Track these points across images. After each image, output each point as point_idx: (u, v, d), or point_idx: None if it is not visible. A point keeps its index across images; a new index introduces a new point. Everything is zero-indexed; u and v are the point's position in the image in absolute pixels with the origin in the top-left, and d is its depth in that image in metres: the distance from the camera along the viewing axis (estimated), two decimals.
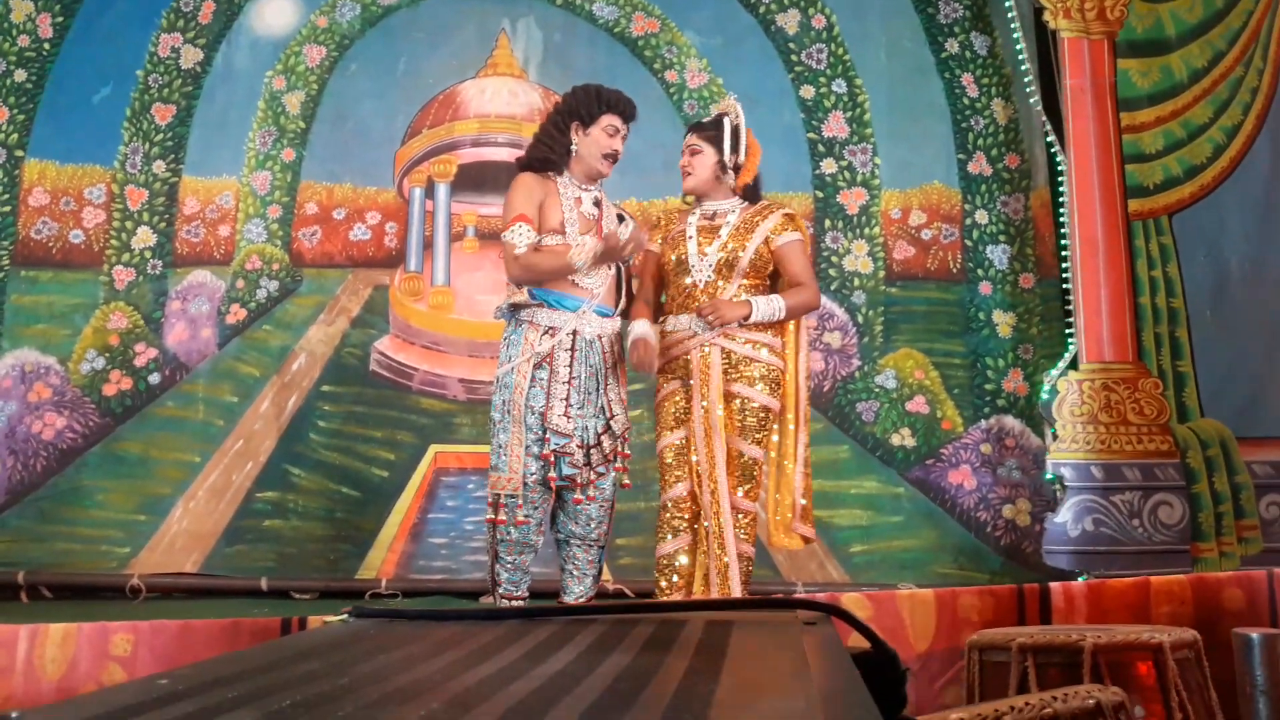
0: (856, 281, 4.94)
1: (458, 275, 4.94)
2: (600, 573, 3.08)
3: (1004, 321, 4.90)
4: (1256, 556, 4.33)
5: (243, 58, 5.06)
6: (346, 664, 0.91)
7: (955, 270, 4.97)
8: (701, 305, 2.96)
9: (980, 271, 4.95)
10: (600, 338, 2.94)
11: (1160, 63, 4.75)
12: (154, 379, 4.76)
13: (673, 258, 3.08)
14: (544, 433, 2.83)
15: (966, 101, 5.06)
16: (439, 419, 4.77)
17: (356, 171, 4.99)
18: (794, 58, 5.11)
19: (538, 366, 2.84)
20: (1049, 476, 4.55)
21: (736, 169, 3.08)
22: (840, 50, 5.11)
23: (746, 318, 2.93)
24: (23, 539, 4.54)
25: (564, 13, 5.15)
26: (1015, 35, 4.90)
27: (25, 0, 4.95)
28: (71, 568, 4.49)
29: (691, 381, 2.98)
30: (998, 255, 4.96)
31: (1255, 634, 2.36)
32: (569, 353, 2.86)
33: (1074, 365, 4.59)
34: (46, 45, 4.96)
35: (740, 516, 2.95)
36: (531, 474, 2.82)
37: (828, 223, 5.00)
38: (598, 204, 3.02)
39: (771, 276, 3.12)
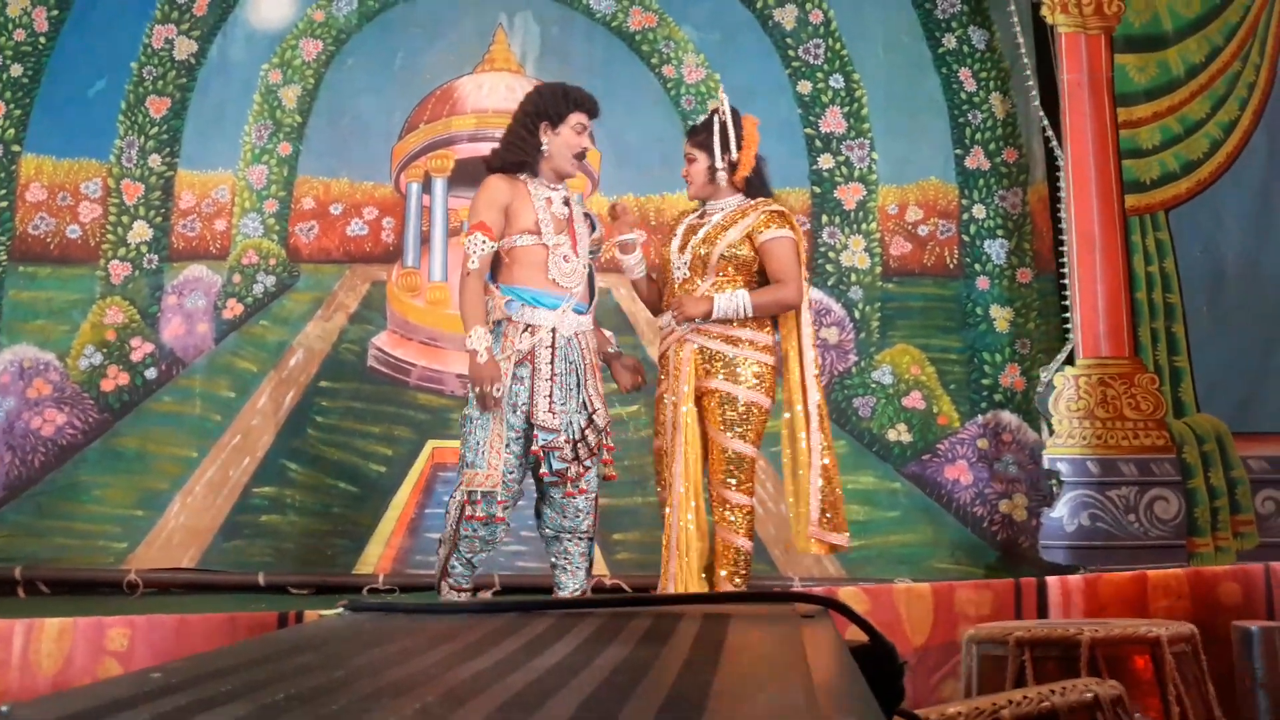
0: (853, 277, 4.94)
1: (455, 270, 4.93)
2: (592, 565, 3.10)
3: (1001, 317, 4.90)
4: (1252, 552, 4.34)
5: (238, 51, 5.04)
6: (341, 657, 0.91)
7: (952, 265, 4.97)
8: (669, 301, 3.03)
9: (977, 267, 4.95)
10: (578, 335, 2.98)
11: (1157, 58, 4.75)
12: (151, 374, 4.75)
13: (663, 252, 3.14)
14: (527, 430, 2.86)
15: (964, 96, 5.05)
16: (436, 414, 4.77)
17: (353, 166, 4.98)
18: (791, 53, 5.11)
19: (519, 364, 2.87)
20: (1045, 471, 4.56)
21: (732, 167, 3.09)
22: (838, 45, 5.10)
23: (707, 314, 2.94)
24: (20, 534, 4.54)
25: (561, 7, 5.14)
26: (1013, 30, 4.89)
27: None
28: (69, 563, 4.49)
29: (669, 378, 3.05)
30: (995, 250, 4.96)
31: (1255, 627, 2.37)
32: (550, 350, 2.90)
33: (1071, 360, 4.59)
34: (42, 39, 4.94)
35: (730, 511, 2.97)
36: (510, 472, 2.86)
37: (825, 218, 5.00)
38: (567, 203, 3.05)
39: (765, 275, 3.10)
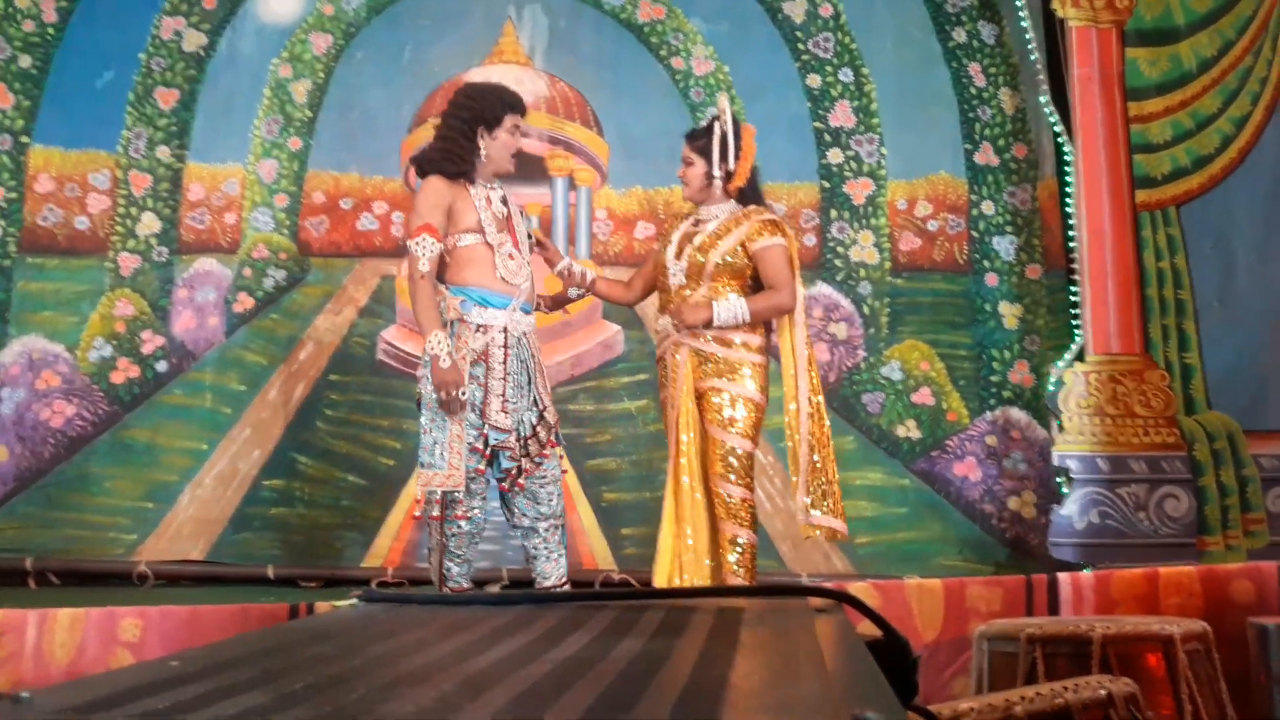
0: (862, 272, 4.93)
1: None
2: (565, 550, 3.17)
3: (1010, 313, 4.88)
4: (1263, 550, 4.32)
5: (248, 44, 5.04)
6: (357, 647, 0.91)
7: (961, 261, 4.96)
8: (669, 309, 3.10)
9: (986, 263, 4.94)
10: (526, 334, 3.04)
11: (1169, 52, 4.72)
12: (161, 367, 4.77)
13: (661, 260, 3.20)
14: (483, 428, 2.91)
15: (974, 91, 5.03)
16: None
17: (363, 161, 4.98)
18: (800, 46, 5.09)
19: (474, 364, 2.91)
20: (1055, 468, 4.55)
21: (728, 176, 3.15)
22: (847, 39, 5.08)
23: (708, 322, 3.03)
24: (31, 526, 4.56)
25: None
26: (1023, 24, 4.87)
27: None
28: (79, 554, 4.51)
29: (668, 380, 3.15)
30: (1004, 246, 4.94)
31: (1271, 624, 2.36)
32: (502, 349, 2.95)
33: (1080, 357, 4.57)
34: (50, 30, 4.95)
35: (729, 504, 3.03)
36: (473, 468, 2.90)
37: (833, 213, 4.98)
38: (505, 202, 3.11)
39: (757, 279, 3.17)
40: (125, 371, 4.74)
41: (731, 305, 3.04)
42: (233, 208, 4.92)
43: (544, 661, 0.82)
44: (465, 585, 3.02)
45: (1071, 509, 4.44)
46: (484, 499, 2.99)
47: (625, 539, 4.64)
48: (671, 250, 3.16)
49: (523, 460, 2.99)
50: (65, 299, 4.80)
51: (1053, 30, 4.80)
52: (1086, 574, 3.30)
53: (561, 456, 3.15)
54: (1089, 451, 4.49)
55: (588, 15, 5.11)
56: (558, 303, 3.39)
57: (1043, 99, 4.79)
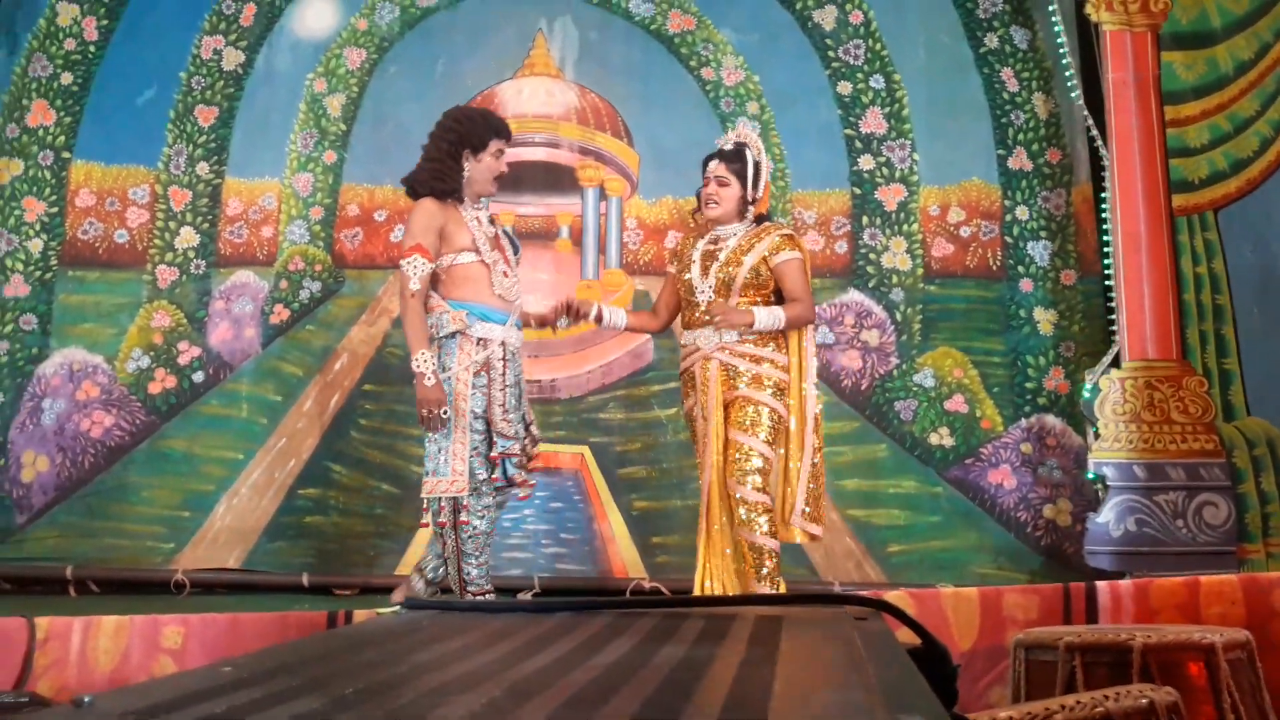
0: (894, 279, 4.91)
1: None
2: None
3: (1045, 319, 4.84)
4: None
5: (284, 60, 5.12)
6: (403, 653, 0.92)
7: (995, 267, 4.92)
8: (712, 307, 3.15)
9: (1021, 268, 4.90)
10: (518, 350, 3.18)
11: (1206, 55, 4.67)
12: (198, 377, 4.83)
13: (684, 279, 3.30)
14: (489, 433, 3.02)
15: (1006, 96, 5.00)
16: None
17: (397, 173, 4.91)
18: (831, 54, 5.09)
19: (476, 374, 3.03)
20: (1091, 476, 4.50)
21: (754, 202, 3.30)
22: (878, 46, 5.07)
23: (750, 324, 3.12)
24: (71, 534, 4.63)
25: (600, 11, 5.16)
26: (1056, 29, 4.84)
27: (71, 4, 5.04)
28: (117, 563, 4.57)
29: (697, 392, 3.23)
30: (1039, 251, 4.90)
31: None
32: (503, 361, 3.08)
33: (1116, 363, 4.53)
34: (92, 48, 5.05)
35: (748, 509, 3.08)
36: (482, 474, 3.01)
37: (865, 219, 4.97)
38: (492, 222, 3.24)
39: (778, 294, 3.28)
40: (163, 382, 4.81)
41: (772, 313, 3.15)
42: (269, 221, 4.99)
43: (588, 668, 0.83)
44: (487, 587, 3.08)
45: (1108, 517, 4.39)
46: (496, 503, 3.08)
47: (656, 547, 4.64)
48: (696, 269, 3.26)
49: (522, 472, 3.12)
50: (105, 311, 4.88)
51: (1086, 34, 4.77)
52: (1125, 582, 3.26)
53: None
54: (1125, 458, 4.44)
55: (618, 27, 5.14)
56: (543, 322, 3.42)
57: (1077, 104, 4.76)
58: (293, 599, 4.20)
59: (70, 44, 5.03)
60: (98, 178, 4.98)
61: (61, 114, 4.99)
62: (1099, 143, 4.67)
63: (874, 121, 5.02)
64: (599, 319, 3.35)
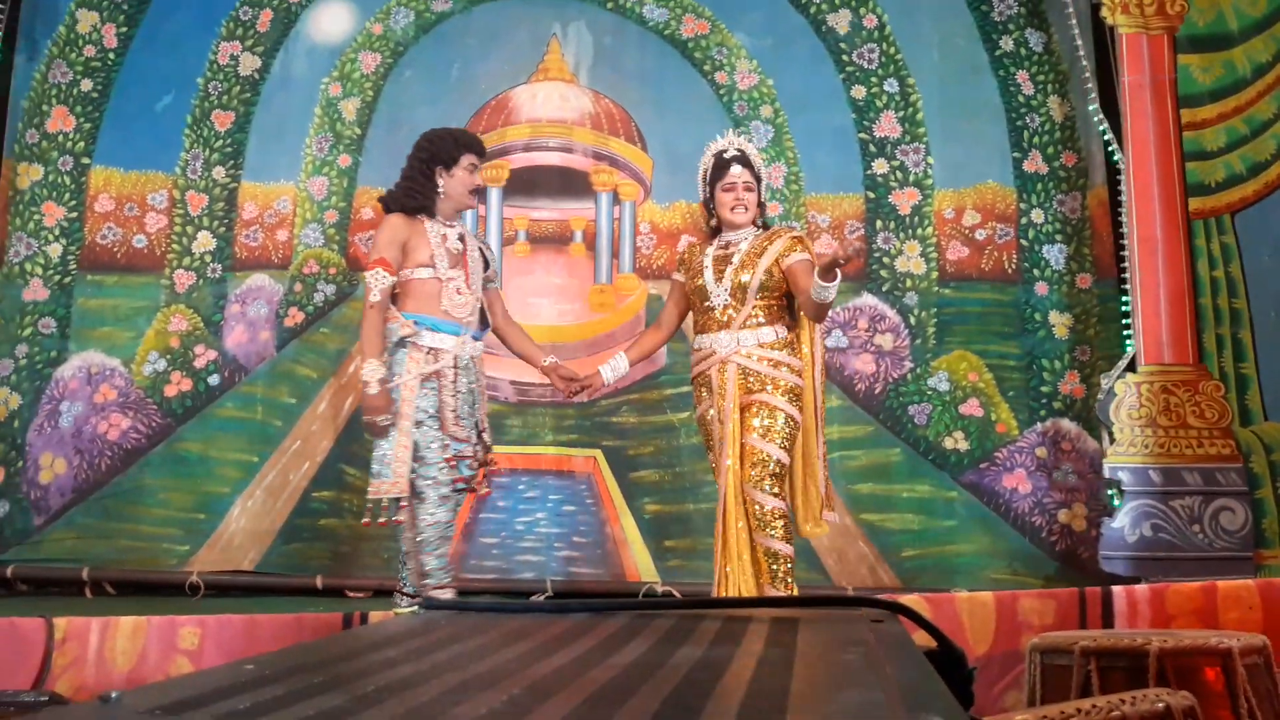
0: (909, 282, 4.90)
1: (510, 278, 4.97)
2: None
3: (1060, 323, 4.82)
4: None
5: (300, 65, 5.15)
6: (423, 652, 0.93)
7: (1010, 271, 4.91)
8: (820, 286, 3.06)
9: (1036, 272, 4.88)
10: (473, 359, 3.27)
11: (1223, 58, 4.65)
12: (213, 380, 4.87)
13: (696, 285, 3.33)
14: (439, 438, 3.13)
15: (1021, 99, 4.99)
16: (490, 420, 4.77)
17: None
18: (845, 58, 5.09)
19: (426, 380, 3.14)
20: (1106, 481, 4.47)
21: (762, 207, 3.42)
22: (892, 49, 5.07)
23: (831, 283, 3.05)
24: (88, 536, 4.67)
25: (614, 16, 5.18)
26: (1072, 32, 4.82)
27: (90, 11, 5.09)
28: (133, 565, 4.60)
29: (713, 396, 3.25)
30: (1054, 255, 4.88)
31: None
32: (453, 370, 3.18)
33: (1132, 367, 4.50)
34: (111, 55, 5.09)
35: (764, 514, 3.09)
36: (441, 471, 3.12)
37: (879, 223, 4.96)
38: (462, 239, 3.32)
39: (788, 296, 3.32)
40: (179, 385, 4.84)
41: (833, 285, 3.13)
42: (284, 225, 5.02)
43: (607, 667, 0.83)
44: (447, 580, 3.17)
45: (1123, 522, 4.36)
46: (452, 501, 3.18)
47: (668, 551, 4.64)
48: (710, 275, 3.28)
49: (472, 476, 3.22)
50: (123, 315, 4.92)
51: (1102, 37, 4.75)
52: (1141, 587, 3.25)
53: (489, 478, 3.39)
54: (1141, 463, 4.41)
55: (632, 32, 5.15)
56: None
57: (1092, 106, 4.74)
58: (307, 601, 4.22)
59: (90, 50, 5.07)
60: (117, 183, 5.02)
61: (81, 120, 5.03)
62: (1114, 146, 4.66)
63: (888, 125, 5.02)
64: (613, 378, 3.47)
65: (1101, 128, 4.70)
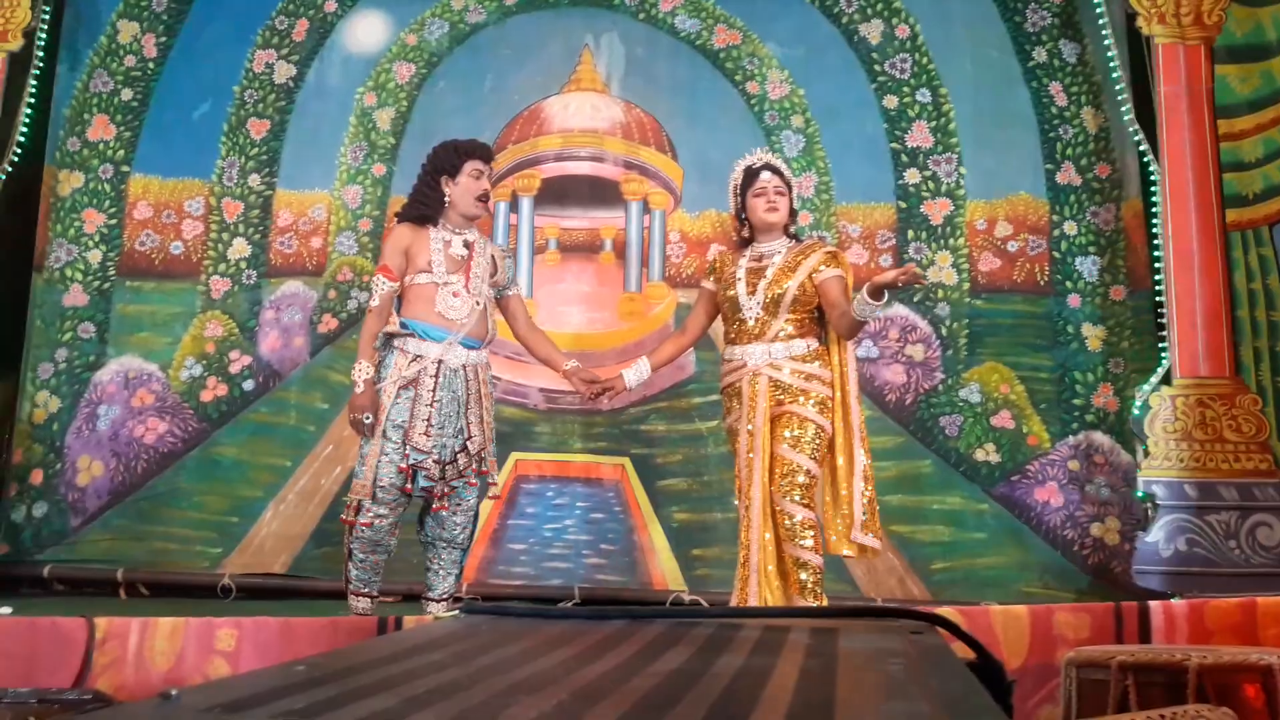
0: (940, 293, 4.87)
1: (540, 286, 5.01)
2: (461, 572, 3.47)
3: (1094, 335, 4.78)
4: None
5: (334, 74, 5.22)
6: (467, 656, 0.94)
7: (1043, 282, 4.87)
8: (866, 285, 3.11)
9: (1069, 284, 4.84)
10: (465, 367, 3.31)
11: (1261, 68, 4.60)
12: (248, 385, 4.92)
13: (728, 296, 3.33)
14: (405, 448, 3.19)
15: (1055, 110, 4.96)
16: (519, 427, 4.84)
17: None
18: (877, 68, 5.08)
19: (404, 387, 3.22)
20: (1140, 495, 4.42)
21: (794, 217, 3.43)
22: (924, 60, 5.06)
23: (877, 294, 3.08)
24: (123, 538, 4.73)
25: (646, 27, 5.20)
26: (1106, 42, 4.79)
27: (131, 21, 5.18)
28: (167, 567, 4.67)
29: (743, 407, 3.24)
30: (1087, 267, 4.84)
31: None
32: (433, 378, 3.23)
33: (1167, 380, 4.45)
34: (151, 64, 5.18)
35: (794, 524, 3.09)
36: (392, 482, 3.19)
37: (911, 233, 4.94)
38: (468, 245, 3.39)
39: (819, 310, 3.31)
40: (214, 390, 4.91)
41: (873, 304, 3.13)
42: (319, 232, 5.08)
43: (649, 675, 0.84)
44: (365, 590, 3.27)
45: (1157, 536, 4.31)
46: (393, 512, 3.23)
47: (696, 560, 4.63)
48: (742, 286, 3.28)
49: (439, 484, 3.25)
50: (160, 320, 4.99)
51: (1137, 48, 4.71)
52: (1180, 602, 3.20)
53: (492, 483, 3.46)
54: (1176, 477, 4.36)
55: (663, 43, 5.17)
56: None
57: (1127, 117, 4.70)
58: (337, 604, 4.25)
59: (130, 60, 5.17)
60: (155, 190, 5.10)
61: (121, 129, 5.13)
62: (1149, 157, 4.61)
63: (920, 135, 5.00)
64: (636, 381, 3.49)
65: (1137, 138, 4.66)
